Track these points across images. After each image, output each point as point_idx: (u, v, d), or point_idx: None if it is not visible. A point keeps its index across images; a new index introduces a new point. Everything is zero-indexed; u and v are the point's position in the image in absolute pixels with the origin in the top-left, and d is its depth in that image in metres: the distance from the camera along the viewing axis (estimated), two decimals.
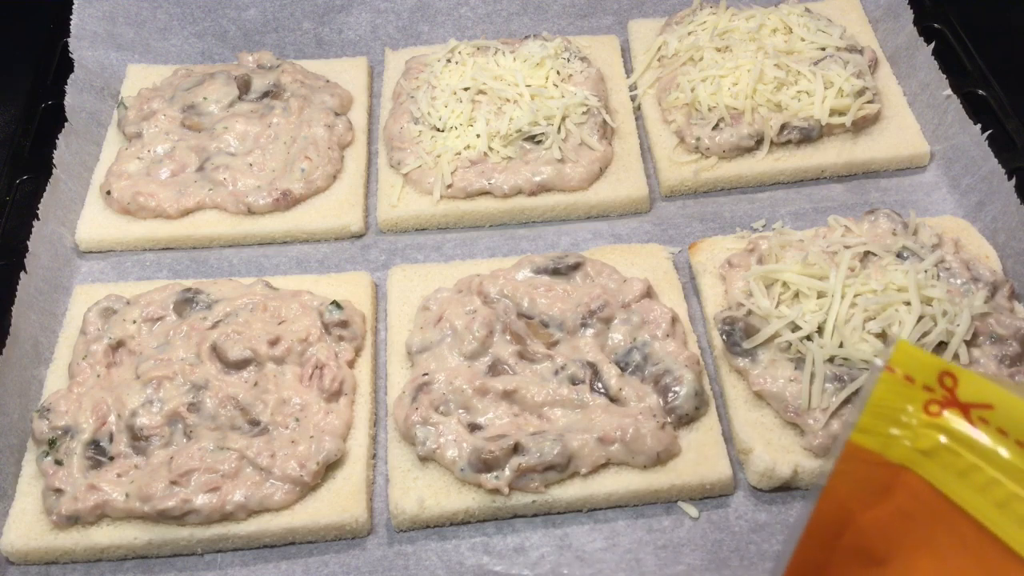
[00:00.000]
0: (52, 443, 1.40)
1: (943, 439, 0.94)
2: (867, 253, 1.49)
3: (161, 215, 1.73)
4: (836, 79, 1.77)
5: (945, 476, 0.94)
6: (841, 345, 1.39)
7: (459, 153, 1.75)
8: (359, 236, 1.76)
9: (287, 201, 1.74)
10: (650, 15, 2.08)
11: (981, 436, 0.92)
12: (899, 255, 1.50)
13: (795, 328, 1.43)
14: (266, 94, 1.87)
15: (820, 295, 1.45)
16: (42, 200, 1.68)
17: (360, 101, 1.94)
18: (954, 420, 0.94)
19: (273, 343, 1.47)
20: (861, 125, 1.79)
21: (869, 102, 1.78)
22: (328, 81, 1.95)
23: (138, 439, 1.40)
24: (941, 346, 1.40)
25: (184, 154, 1.78)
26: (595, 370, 1.44)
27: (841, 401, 1.36)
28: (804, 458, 1.38)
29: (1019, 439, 0.91)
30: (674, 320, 1.50)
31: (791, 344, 1.42)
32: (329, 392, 1.45)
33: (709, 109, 1.77)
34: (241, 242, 1.74)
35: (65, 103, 1.83)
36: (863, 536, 0.97)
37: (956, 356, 1.38)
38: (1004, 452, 0.91)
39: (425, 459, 1.40)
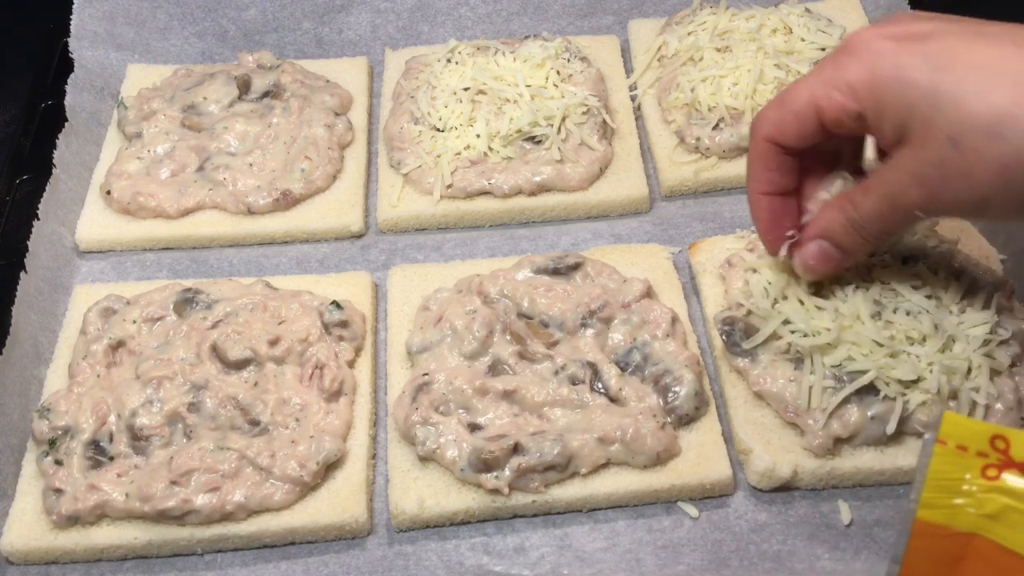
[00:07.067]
0: (52, 443, 1.40)
1: (1007, 500, 0.96)
2: None
3: (161, 215, 1.73)
4: None
5: (1014, 535, 0.96)
6: None
7: (459, 153, 1.75)
8: (359, 236, 1.76)
9: (287, 201, 1.74)
10: (650, 15, 2.08)
11: None
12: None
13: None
14: (266, 94, 1.87)
15: None
16: (42, 200, 1.68)
17: (360, 101, 1.94)
18: (1013, 480, 0.96)
19: (273, 343, 1.47)
20: None
21: None
22: (328, 81, 1.95)
23: (138, 439, 1.40)
24: None
25: (184, 154, 1.78)
26: (595, 370, 1.44)
27: (840, 401, 1.36)
28: (804, 458, 1.38)
29: None
30: (674, 320, 1.50)
31: (791, 344, 1.42)
32: (329, 392, 1.45)
33: (709, 109, 1.77)
34: (241, 242, 1.74)
35: (65, 103, 1.84)
36: None
37: None
38: None
39: (425, 459, 1.40)
